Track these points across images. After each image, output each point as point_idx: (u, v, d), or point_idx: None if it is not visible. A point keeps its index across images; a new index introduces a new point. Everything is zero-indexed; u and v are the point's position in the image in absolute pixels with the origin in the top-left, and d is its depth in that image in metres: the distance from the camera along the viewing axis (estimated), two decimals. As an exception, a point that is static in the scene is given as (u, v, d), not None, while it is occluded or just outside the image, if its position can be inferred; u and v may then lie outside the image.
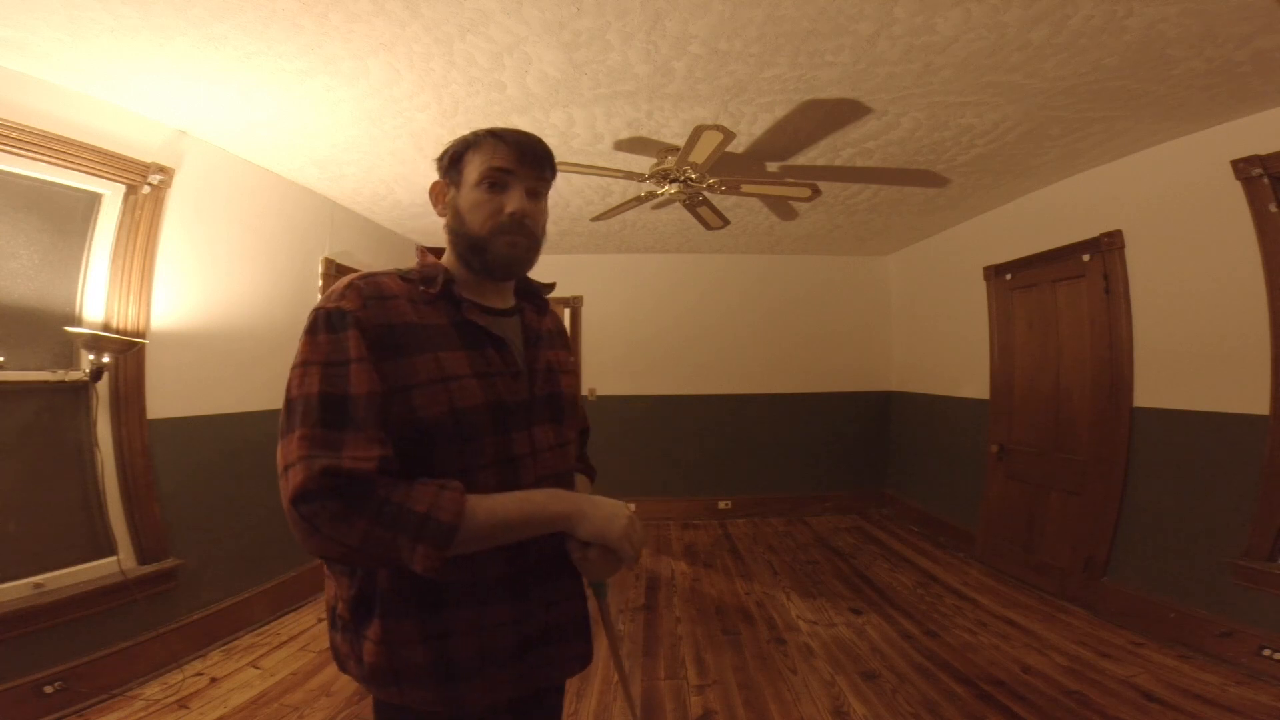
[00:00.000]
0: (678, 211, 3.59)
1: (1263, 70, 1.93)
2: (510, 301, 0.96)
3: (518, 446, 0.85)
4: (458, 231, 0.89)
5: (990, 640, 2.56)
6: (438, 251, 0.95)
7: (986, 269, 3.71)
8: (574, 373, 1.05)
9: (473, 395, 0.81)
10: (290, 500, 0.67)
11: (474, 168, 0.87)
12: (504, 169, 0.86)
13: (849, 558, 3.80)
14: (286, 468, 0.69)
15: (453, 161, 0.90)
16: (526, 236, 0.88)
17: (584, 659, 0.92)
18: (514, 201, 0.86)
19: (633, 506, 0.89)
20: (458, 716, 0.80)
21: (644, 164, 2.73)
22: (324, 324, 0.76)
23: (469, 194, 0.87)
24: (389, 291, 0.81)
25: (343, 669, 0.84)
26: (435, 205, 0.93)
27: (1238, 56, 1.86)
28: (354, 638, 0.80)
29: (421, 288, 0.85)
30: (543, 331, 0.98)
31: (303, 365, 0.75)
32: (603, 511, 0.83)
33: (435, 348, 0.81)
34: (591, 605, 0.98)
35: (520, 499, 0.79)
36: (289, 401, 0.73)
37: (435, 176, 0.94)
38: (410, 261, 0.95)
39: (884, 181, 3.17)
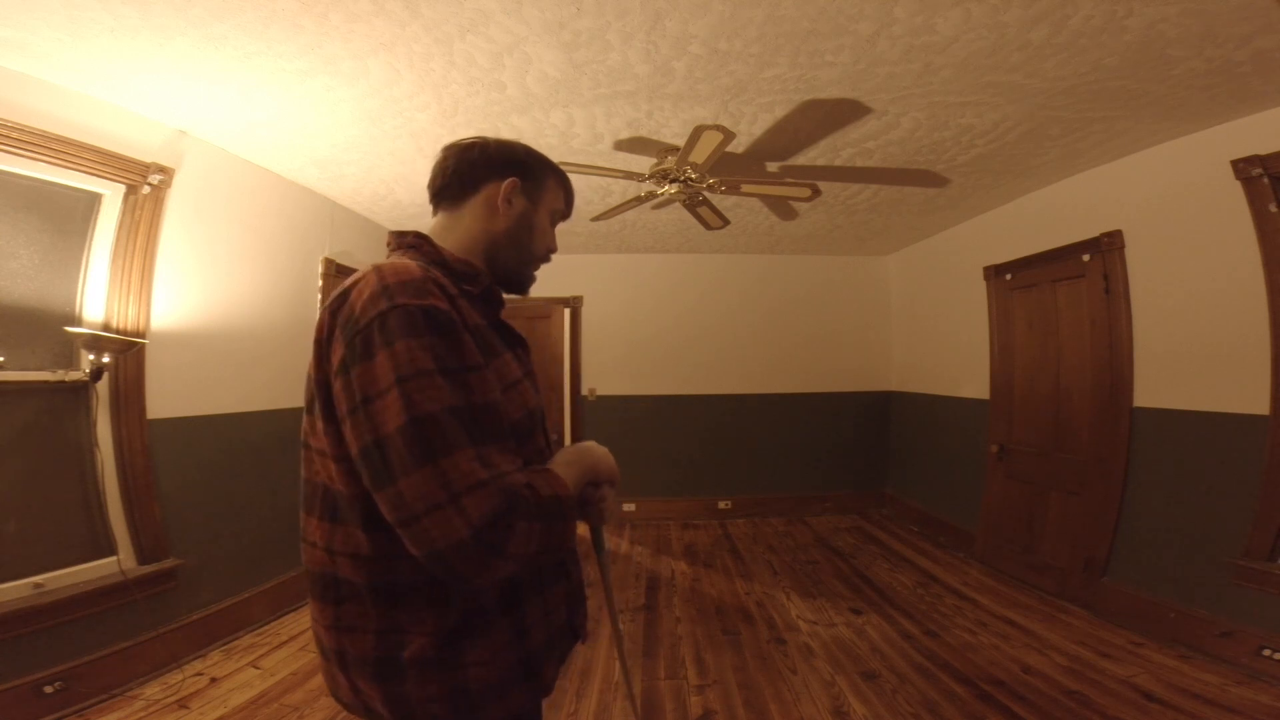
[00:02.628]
0: (678, 211, 3.59)
1: (1263, 70, 1.93)
2: None
3: (542, 444, 0.88)
4: (517, 242, 0.90)
5: (990, 640, 2.56)
6: (407, 236, 0.87)
7: (986, 269, 3.71)
8: None
9: (531, 395, 0.84)
10: (475, 529, 0.59)
11: (555, 198, 0.95)
12: (564, 214, 0.98)
13: (849, 558, 3.79)
14: (455, 496, 0.59)
15: (537, 177, 0.91)
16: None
17: (586, 616, 0.96)
18: (555, 242, 0.97)
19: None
20: (539, 701, 0.81)
21: (644, 164, 2.73)
22: (425, 324, 0.65)
23: (542, 219, 0.93)
24: (451, 289, 0.75)
25: None
26: (501, 202, 0.87)
27: (1238, 56, 1.86)
28: (441, 674, 0.70)
29: (465, 286, 0.81)
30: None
31: (416, 376, 0.63)
32: (599, 451, 0.89)
33: (502, 349, 0.81)
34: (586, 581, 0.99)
35: (561, 464, 0.80)
36: (420, 419, 0.61)
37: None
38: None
39: (884, 181, 3.17)
